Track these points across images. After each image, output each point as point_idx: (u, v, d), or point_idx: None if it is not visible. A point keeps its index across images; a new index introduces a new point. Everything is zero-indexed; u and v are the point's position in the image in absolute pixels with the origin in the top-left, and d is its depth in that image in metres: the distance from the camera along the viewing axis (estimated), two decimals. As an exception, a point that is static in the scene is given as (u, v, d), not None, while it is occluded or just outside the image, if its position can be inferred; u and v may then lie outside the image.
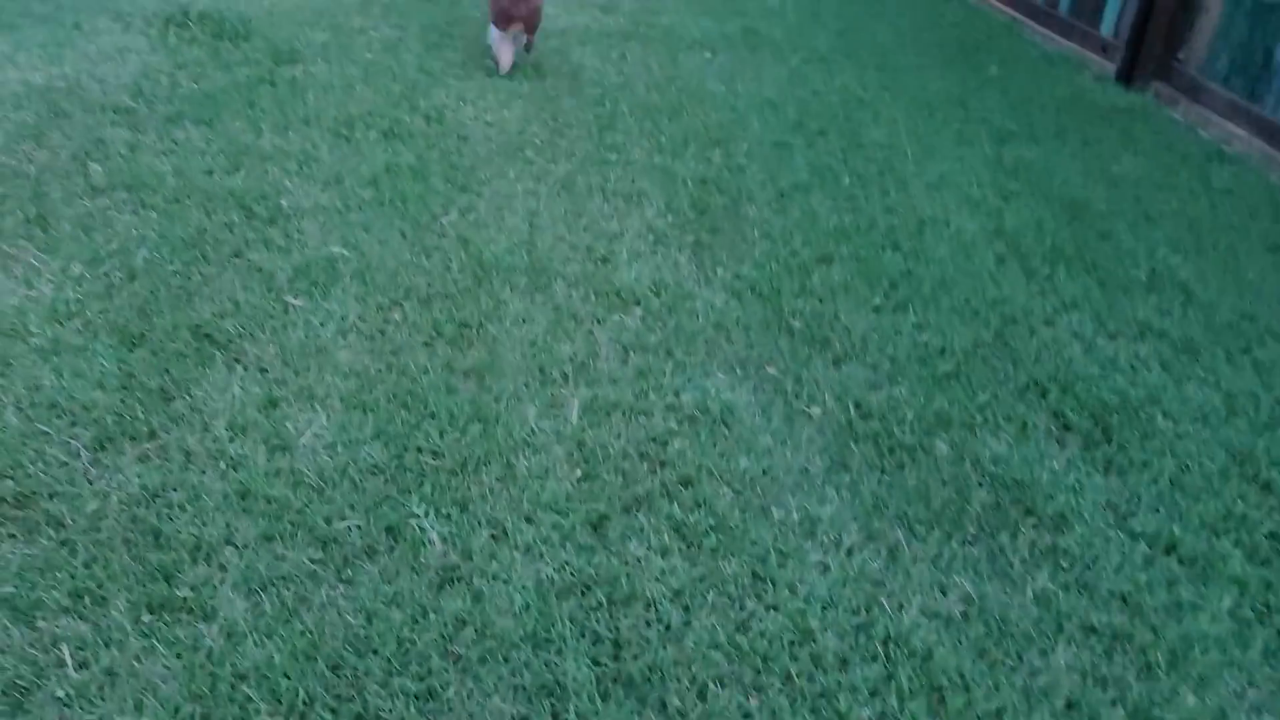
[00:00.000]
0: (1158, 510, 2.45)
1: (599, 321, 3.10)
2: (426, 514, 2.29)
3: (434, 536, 2.23)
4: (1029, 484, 2.52)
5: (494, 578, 2.15)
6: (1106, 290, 3.41)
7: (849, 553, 2.29)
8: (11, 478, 2.28)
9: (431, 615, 2.04)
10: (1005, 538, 2.36)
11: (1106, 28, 5.50)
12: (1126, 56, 5.17)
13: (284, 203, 3.59)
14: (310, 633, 1.98)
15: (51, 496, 2.24)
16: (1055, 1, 5.95)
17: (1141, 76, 5.14)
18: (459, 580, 2.14)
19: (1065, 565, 2.29)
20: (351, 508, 2.29)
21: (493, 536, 2.26)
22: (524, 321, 3.07)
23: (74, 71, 4.57)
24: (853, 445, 2.65)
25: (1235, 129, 4.57)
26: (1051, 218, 3.89)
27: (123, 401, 2.55)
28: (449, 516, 2.30)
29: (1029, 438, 2.70)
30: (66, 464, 2.34)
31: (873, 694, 1.95)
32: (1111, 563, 2.29)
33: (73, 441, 2.40)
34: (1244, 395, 2.89)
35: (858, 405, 2.80)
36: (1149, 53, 5.09)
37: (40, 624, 1.96)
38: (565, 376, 2.83)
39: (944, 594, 2.20)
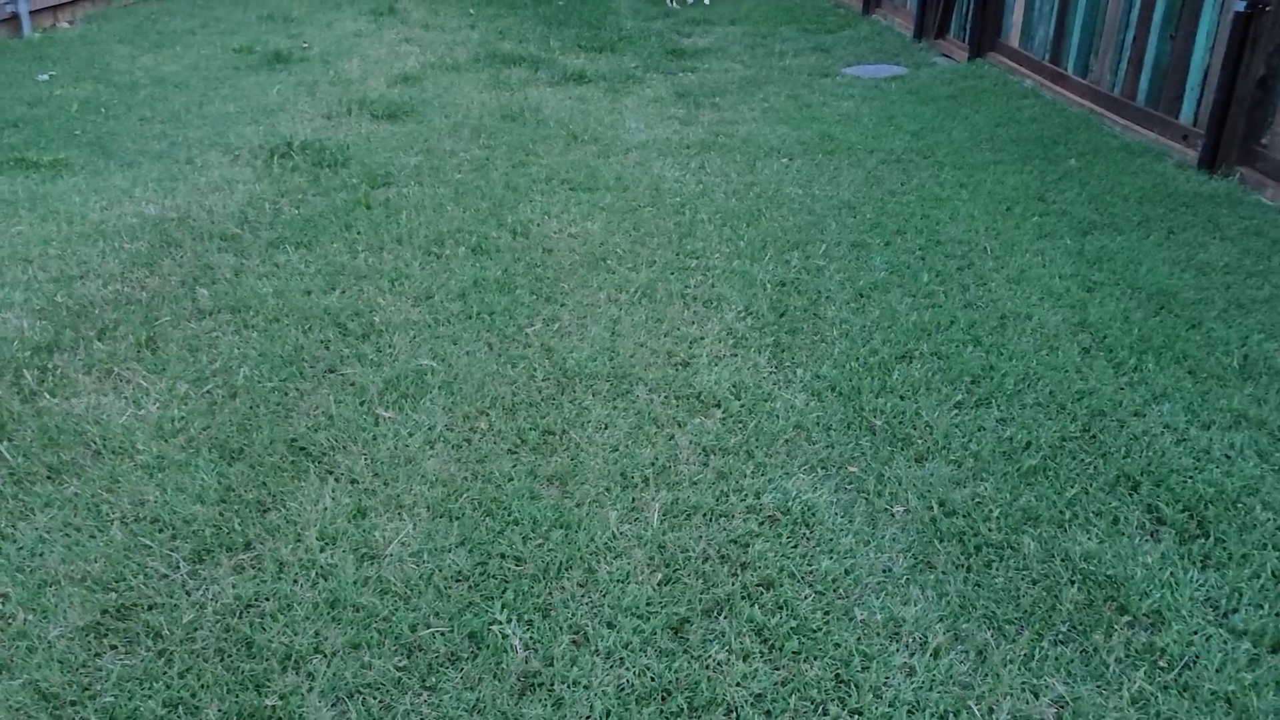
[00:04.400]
0: (1261, 606, 2.35)
1: (679, 425, 3.14)
2: (509, 620, 2.32)
3: (516, 643, 2.26)
4: (1122, 580, 2.44)
5: (574, 684, 2.16)
6: (1198, 380, 3.33)
7: (935, 654, 2.24)
8: (114, 590, 2.40)
9: (513, 722, 2.06)
10: (1099, 637, 2.28)
11: (1186, 115, 5.46)
12: (1208, 143, 5.12)
13: (376, 319, 3.76)
14: (395, 740, 2.01)
15: (150, 608, 2.35)
16: (1133, 92, 5.95)
17: (1225, 162, 5.08)
18: (540, 686, 2.15)
19: (1163, 665, 2.20)
20: (436, 615, 2.34)
21: (574, 642, 2.28)
22: (606, 427, 3.13)
23: (185, 202, 4.90)
24: (937, 544, 2.61)
25: (1328, 210, 4.47)
26: (1138, 308, 3.83)
27: (221, 514, 2.68)
28: (531, 622, 2.33)
29: (1121, 533, 2.62)
30: (166, 576, 2.45)
31: (962, 803, 1.89)
32: (1214, 662, 2.19)
33: (172, 554, 2.52)
34: (1351, 485, 2.77)
35: (941, 503, 2.77)
36: (1231, 138, 5.03)
37: (140, 731, 2.03)
38: (646, 481, 2.87)
39: (1036, 696, 2.13)
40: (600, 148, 5.96)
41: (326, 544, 2.57)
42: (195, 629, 2.28)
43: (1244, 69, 4.91)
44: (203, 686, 2.12)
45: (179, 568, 2.48)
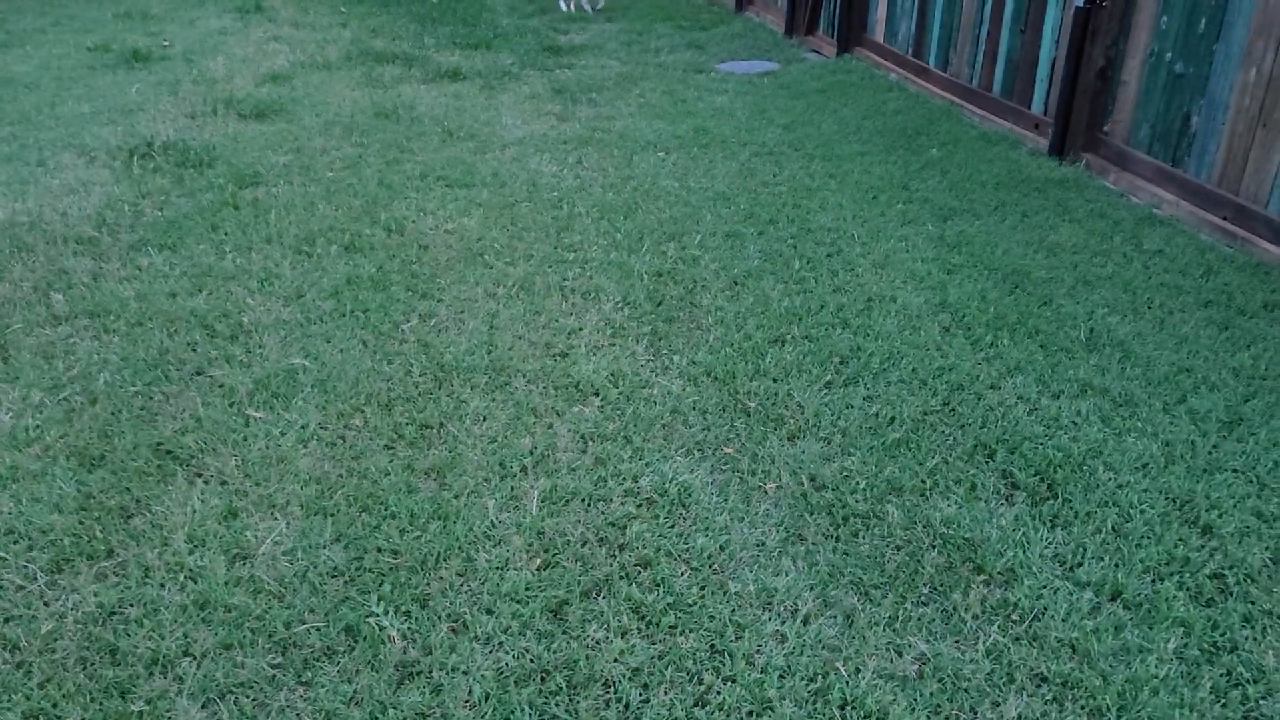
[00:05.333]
0: (1102, 559, 2.51)
1: (558, 414, 3.17)
2: (386, 612, 2.31)
3: (393, 634, 2.25)
4: (979, 542, 2.57)
5: (453, 670, 2.17)
6: (1048, 353, 3.51)
7: (805, 621, 2.32)
8: (-30, 604, 2.30)
9: (390, 711, 2.05)
10: (957, 596, 2.40)
11: (1037, 105, 5.74)
12: (1057, 131, 5.40)
13: (245, 319, 3.68)
14: (269, 736, 1.99)
15: (7, 620, 2.26)
16: (989, 84, 6.22)
17: (1072, 149, 5.36)
18: (418, 674, 2.16)
19: (1015, 619, 2.33)
20: (311, 611, 2.32)
21: (452, 629, 2.28)
22: (484, 419, 3.13)
23: (37, 206, 4.70)
24: (808, 517, 2.70)
25: (1163, 193, 4.76)
26: (994, 288, 4.02)
27: (81, 522, 2.59)
28: (409, 613, 2.32)
29: (978, 498, 2.76)
30: (23, 588, 2.36)
31: (830, 759, 1.96)
32: (1060, 612, 2.33)
33: (29, 565, 2.43)
34: (1181, 443, 2.97)
35: (812, 478, 2.86)
36: (1077, 126, 5.31)
37: (-2, 746, 1.96)
38: (525, 469, 2.89)
39: (899, 655, 2.23)
40: (477, 144, 5.93)
41: (195, 546, 2.52)
42: (55, 639, 2.21)
43: (1085, 61, 5.19)
44: (64, 696, 2.05)
45: (36, 579, 2.39)
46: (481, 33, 9.12)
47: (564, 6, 7.23)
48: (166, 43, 8.44)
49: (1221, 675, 2.17)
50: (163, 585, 2.38)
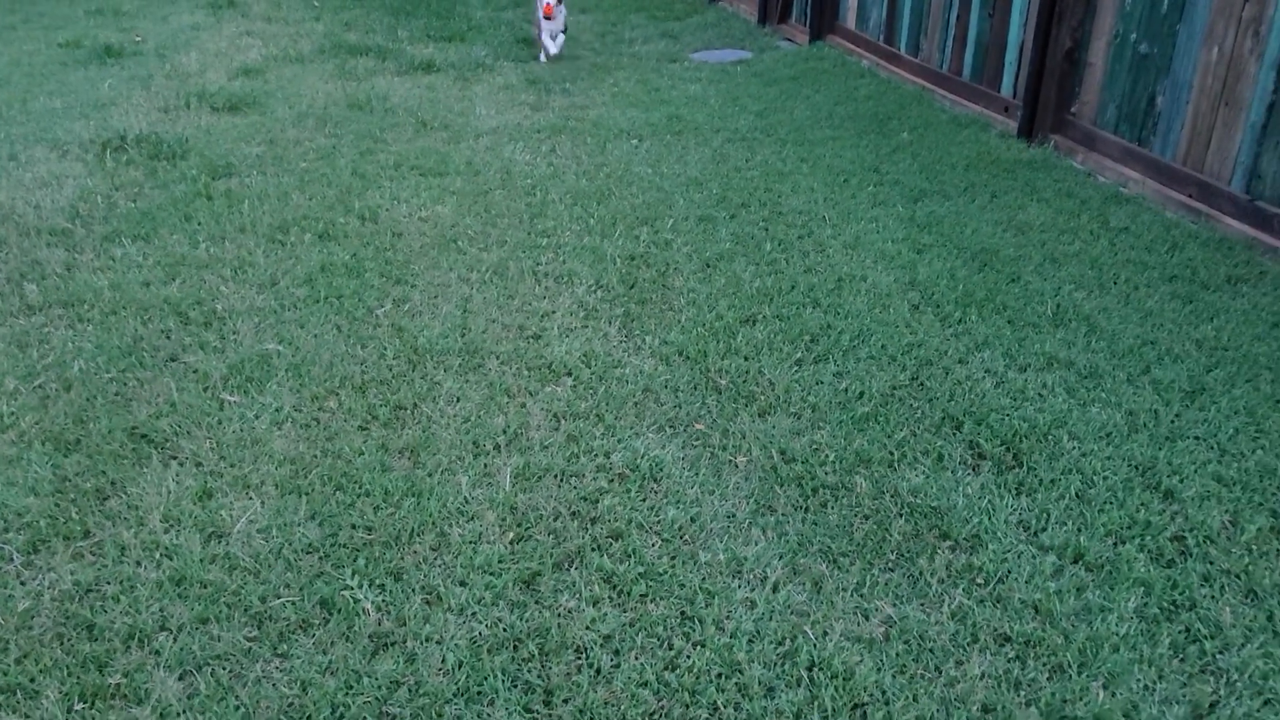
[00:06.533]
0: (1065, 524, 2.56)
1: (531, 394, 3.20)
2: (360, 586, 2.34)
3: (368, 606, 2.28)
4: (945, 510, 2.62)
5: (427, 639, 2.20)
6: (1016, 328, 3.57)
7: (774, 588, 2.36)
8: (-55, 585, 2.31)
9: (365, 679, 2.08)
10: (924, 561, 2.44)
11: (1006, 88, 5.80)
12: (1025, 113, 5.46)
13: (219, 306, 3.69)
14: (244, 706, 2.01)
15: (-16, 600, 2.28)
16: (959, 68, 6.27)
17: (1041, 131, 5.42)
18: (392, 645, 2.18)
19: (980, 582, 2.37)
20: (286, 586, 2.34)
21: (426, 601, 2.31)
22: (457, 400, 3.16)
23: (9, 199, 4.68)
24: (778, 489, 2.74)
25: (1129, 172, 4.82)
26: (963, 266, 4.07)
27: (57, 505, 2.60)
28: (383, 587, 2.35)
29: (945, 468, 2.81)
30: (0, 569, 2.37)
31: (797, 716, 2.01)
32: (1023, 575, 2.38)
33: (5, 546, 2.44)
34: (1145, 412, 3.02)
35: (782, 452, 2.90)
36: (1045, 108, 5.37)
37: (-26, 721, 1.98)
38: (498, 447, 2.92)
39: (866, 618, 2.27)
40: (450, 134, 5.95)
41: (171, 526, 2.53)
42: (32, 616, 2.22)
43: (1052, 43, 5.25)
44: (41, 671, 2.07)
45: (13, 559, 2.40)
46: (455, 25, 9.12)
47: (543, 59, 7.40)
48: (139, 38, 8.40)
49: (1180, 632, 2.22)
50: (139, 563, 2.40)
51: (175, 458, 2.83)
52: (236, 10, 9.80)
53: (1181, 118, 4.55)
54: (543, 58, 7.89)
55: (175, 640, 2.17)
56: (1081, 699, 2.03)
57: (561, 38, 7.90)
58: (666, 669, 2.12)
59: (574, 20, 9.66)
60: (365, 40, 8.45)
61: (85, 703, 2.01)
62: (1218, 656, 2.15)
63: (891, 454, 2.88)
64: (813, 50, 8.08)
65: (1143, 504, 2.62)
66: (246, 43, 8.33)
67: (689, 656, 2.15)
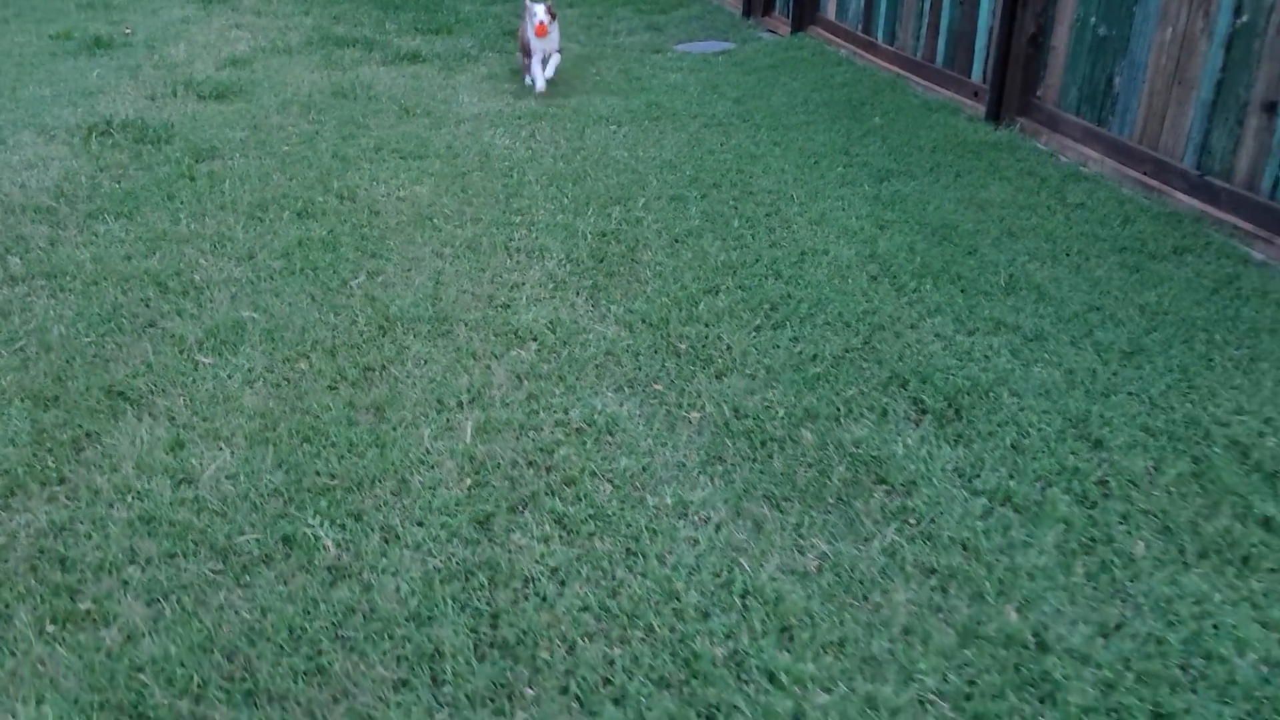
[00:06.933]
0: (999, 470, 2.68)
1: (496, 357, 3.31)
2: (321, 525, 2.46)
3: (328, 543, 2.40)
4: (885, 459, 2.74)
5: (383, 571, 2.31)
6: (968, 296, 3.69)
7: (717, 528, 2.48)
8: (-76, 525, 2.43)
9: (322, 606, 2.20)
10: (860, 504, 2.56)
11: (976, 73, 5.92)
12: (993, 97, 5.58)
13: (197, 277, 3.81)
14: (207, 629, 2.13)
15: (-39, 540, 2.40)
16: (932, 55, 6.40)
17: (1007, 114, 5.55)
18: (350, 576, 2.30)
19: (912, 521, 2.49)
20: (251, 525, 2.46)
21: (384, 539, 2.43)
22: (425, 362, 3.27)
23: (-2, 179, 4.80)
24: (728, 441, 2.86)
25: (1089, 151, 4.95)
26: (923, 240, 4.19)
27: (34, 454, 2.72)
28: (343, 526, 2.47)
29: (888, 422, 2.93)
30: (-23, 510, 2.50)
31: (728, 636, 2.13)
32: (954, 516, 2.50)
33: (-18, 491, 2.56)
34: (1083, 371, 3.14)
35: (735, 409, 3.02)
36: (1011, 92, 5.50)
37: (-49, 643, 2.09)
38: (461, 404, 3.03)
39: (801, 554, 2.39)
40: (432, 120, 6.06)
41: (143, 473, 2.65)
42: (8, 551, 2.34)
43: (1018, 28, 5.37)
44: (15, 597, 2.19)
45: (-10, 502, 2.52)
46: (443, 18, 9.24)
47: (535, 84, 6.43)
48: (129, 30, 8.51)
49: (1095, 563, 2.34)
50: (111, 505, 2.51)
51: (150, 413, 2.95)
52: (226, 4, 9.91)
53: (1138, 97, 4.67)
54: (535, 84, 6.66)
55: (144, 572, 2.28)
56: (995, 621, 2.16)
57: (557, 58, 6.84)
58: (609, 596, 2.24)
59: (560, 14, 9.77)
60: (353, 33, 8.56)
61: (57, 625, 2.13)
62: (1128, 584, 2.27)
63: (838, 409, 2.99)
64: (794, 40, 8.20)
65: (1072, 452, 2.74)
66: (235, 35, 8.44)
67: (630, 586, 2.27)
